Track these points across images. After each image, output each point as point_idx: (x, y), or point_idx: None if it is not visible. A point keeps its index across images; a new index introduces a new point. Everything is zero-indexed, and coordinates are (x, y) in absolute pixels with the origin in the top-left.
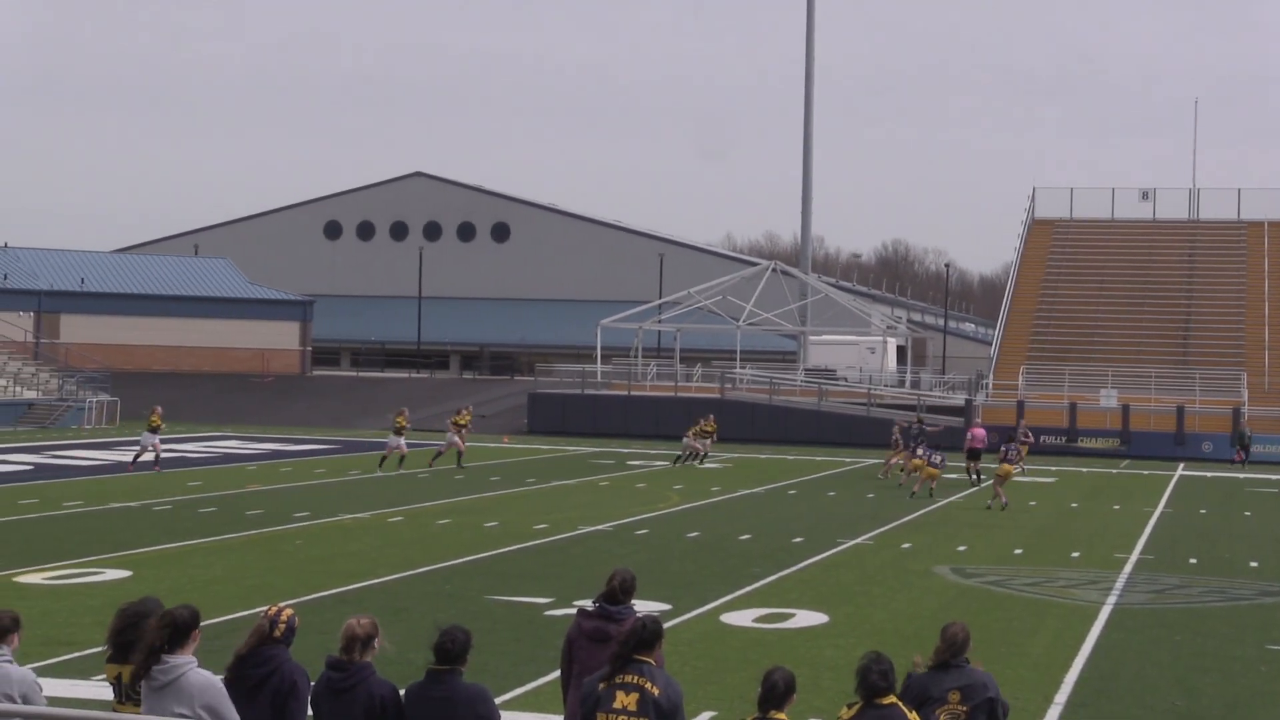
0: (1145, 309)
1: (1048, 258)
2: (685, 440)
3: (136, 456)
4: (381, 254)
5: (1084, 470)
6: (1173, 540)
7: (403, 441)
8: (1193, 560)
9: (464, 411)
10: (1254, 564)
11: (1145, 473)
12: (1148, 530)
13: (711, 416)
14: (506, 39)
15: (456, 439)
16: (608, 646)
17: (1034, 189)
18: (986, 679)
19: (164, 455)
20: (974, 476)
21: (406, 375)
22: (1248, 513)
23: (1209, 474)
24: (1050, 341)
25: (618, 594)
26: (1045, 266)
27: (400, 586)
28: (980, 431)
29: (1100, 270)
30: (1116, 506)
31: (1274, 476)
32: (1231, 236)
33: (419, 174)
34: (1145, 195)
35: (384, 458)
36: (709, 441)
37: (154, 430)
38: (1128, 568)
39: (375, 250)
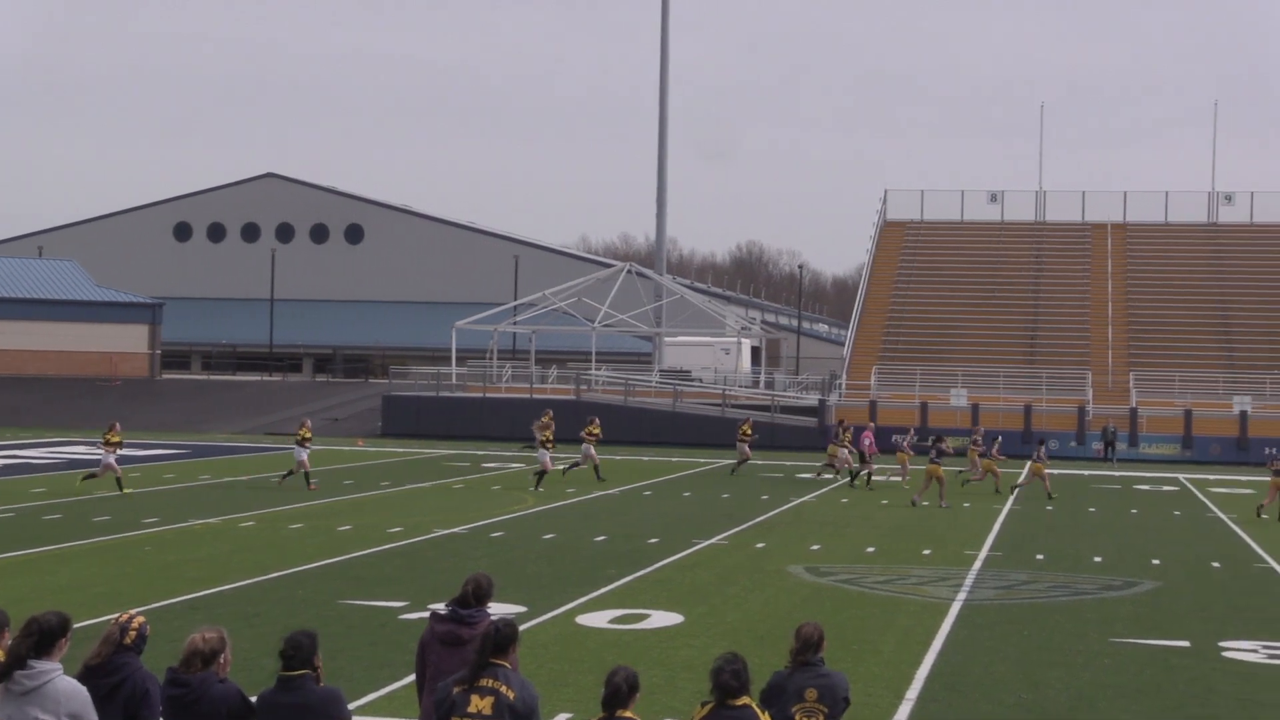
0: (994, 309)
1: (899, 259)
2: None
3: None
4: (233, 256)
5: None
6: (1021, 537)
7: (305, 454)
8: (1040, 556)
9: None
10: (1098, 559)
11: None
12: (996, 527)
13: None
14: (359, 39)
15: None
16: (460, 650)
17: (885, 191)
18: (841, 679)
19: (6, 462)
20: (867, 479)
21: (258, 378)
22: (1092, 509)
23: (1055, 470)
24: (902, 342)
25: (470, 598)
26: (897, 268)
27: (252, 592)
28: (867, 436)
29: (950, 271)
30: (967, 505)
31: (1125, 474)
32: (1076, 238)
33: (271, 175)
34: (994, 198)
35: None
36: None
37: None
38: (977, 565)
39: (226, 252)
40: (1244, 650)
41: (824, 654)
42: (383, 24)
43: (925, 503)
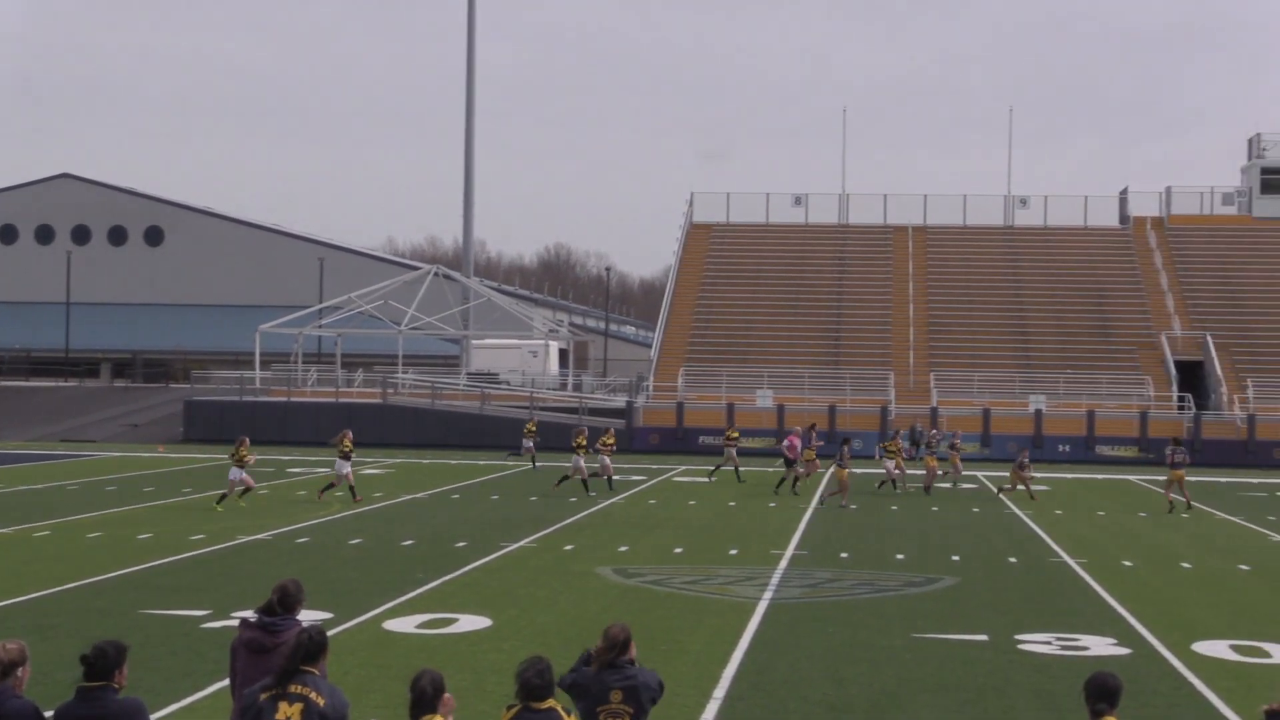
0: (799, 311)
1: (706, 261)
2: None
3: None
4: (26, 258)
5: (741, 469)
6: (825, 536)
7: (346, 468)
8: (844, 555)
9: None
10: (900, 557)
11: (712, 470)
12: (802, 526)
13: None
14: (158, 38)
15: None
16: (266, 658)
17: (692, 194)
18: (649, 677)
19: None
20: (793, 484)
21: (54, 384)
22: (895, 507)
23: (859, 470)
24: (709, 343)
25: (275, 606)
26: (703, 270)
27: (47, 604)
28: (795, 441)
29: (756, 273)
30: (772, 504)
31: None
32: (879, 240)
33: (66, 175)
34: (798, 200)
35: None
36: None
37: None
38: (783, 563)
39: (19, 254)
40: (1039, 643)
41: (634, 655)
42: (182, 21)
43: (853, 506)
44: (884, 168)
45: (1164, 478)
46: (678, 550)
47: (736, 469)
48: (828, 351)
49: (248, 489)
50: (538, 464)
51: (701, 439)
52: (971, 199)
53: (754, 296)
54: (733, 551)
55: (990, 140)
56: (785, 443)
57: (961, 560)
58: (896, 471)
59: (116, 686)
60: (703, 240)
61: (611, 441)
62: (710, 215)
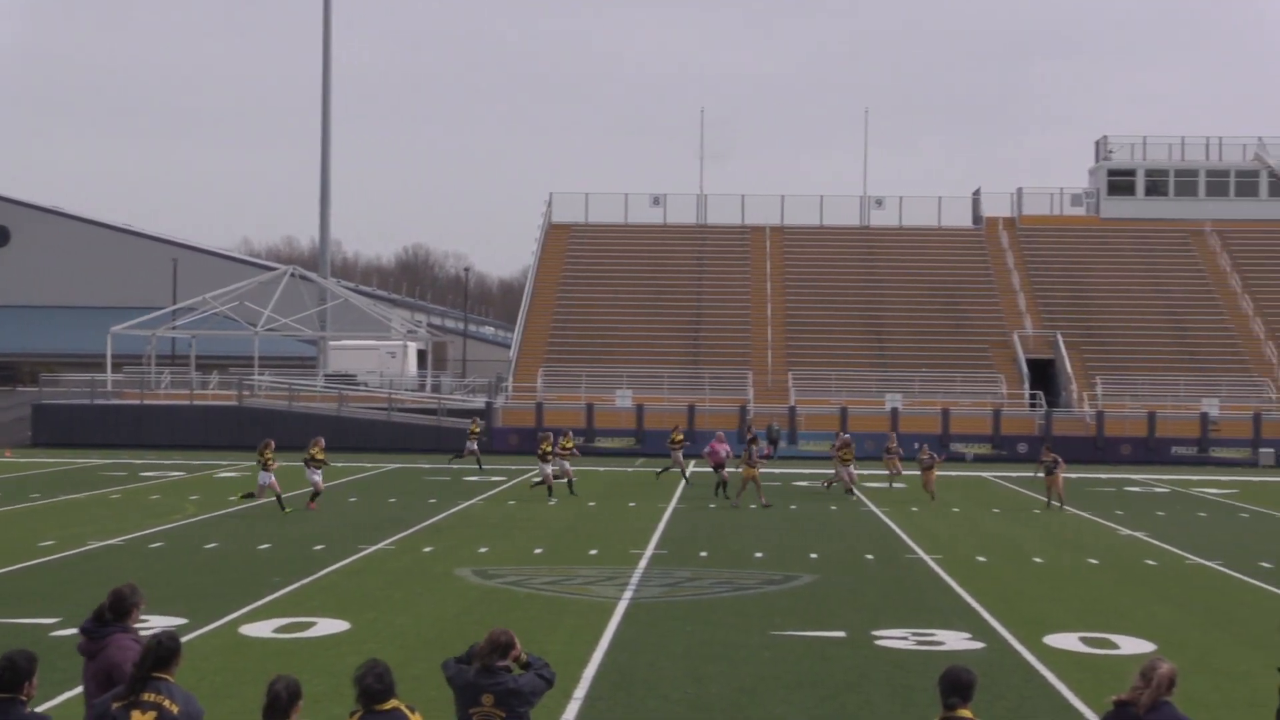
0: (658, 311)
1: (564, 261)
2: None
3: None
4: None
5: (601, 469)
6: (685, 535)
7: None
8: (703, 554)
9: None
10: (759, 555)
11: (660, 470)
12: (661, 526)
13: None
14: (3, 32)
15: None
16: (92, 664)
17: (551, 194)
18: (524, 685)
19: None
20: (721, 489)
21: None
22: (753, 505)
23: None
24: (568, 343)
25: (106, 612)
26: (562, 270)
27: None
28: (720, 447)
29: (615, 273)
30: (633, 504)
31: (785, 470)
32: (737, 241)
33: None
34: (656, 201)
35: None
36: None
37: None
38: (643, 563)
39: None
40: (895, 638)
41: (521, 656)
42: (29, 15)
43: (763, 505)
44: (742, 169)
45: (1027, 475)
46: (538, 551)
47: (684, 471)
48: (687, 351)
49: (278, 495)
50: (483, 465)
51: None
52: (828, 199)
53: (613, 296)
54: (593, 552)
55: (847, 141)
56: (707, 449)
57: (819, 558)
58: (848, 474)
59: (24, 699)
60: (561, 240)
61: (571, 445)
62: (569, 215)
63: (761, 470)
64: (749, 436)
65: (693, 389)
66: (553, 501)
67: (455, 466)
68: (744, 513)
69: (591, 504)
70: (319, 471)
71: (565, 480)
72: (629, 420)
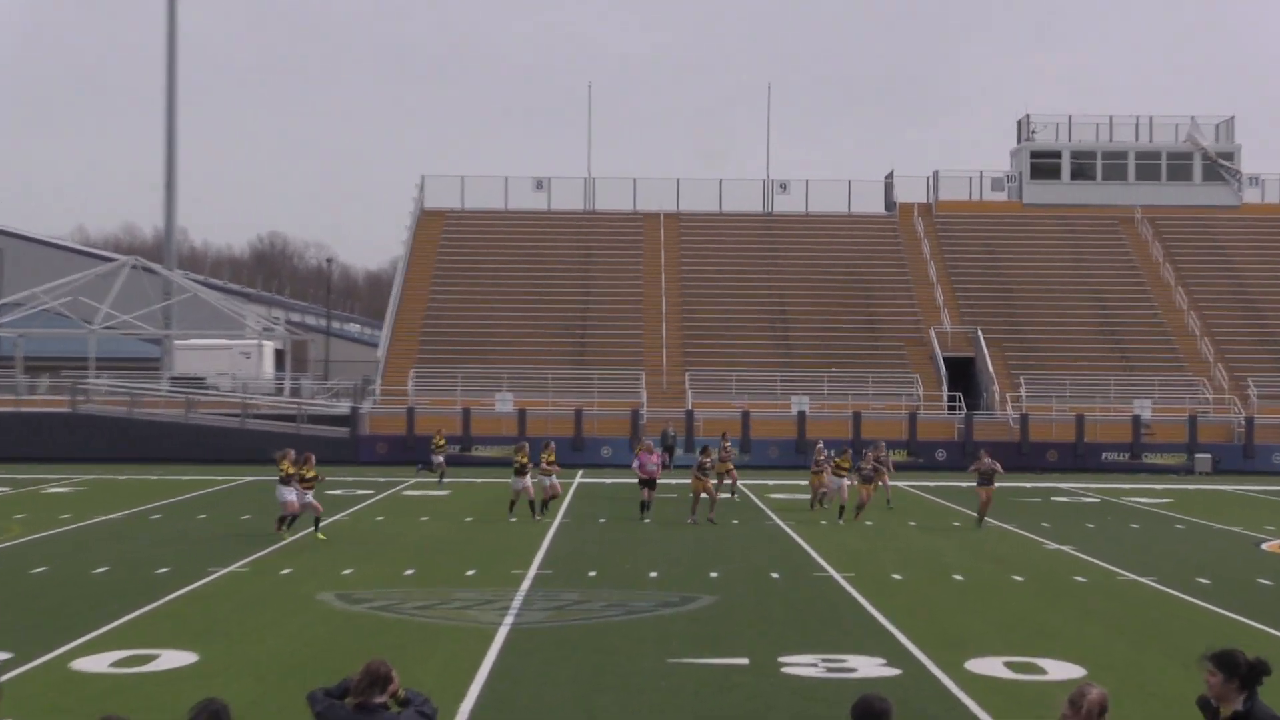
0: (541, 306)
1: (438, 251)
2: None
3: None
4: None
5: (479, 480)
6: (572, 553)
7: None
8: (592, 573)
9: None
10: (654, 574)
11: (437, 476)
12: (546, 543)
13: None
14: None
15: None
16: None
17: (423, 177)
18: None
19: None
20: (644, 510)
21: None
22: (647, 520)
23: (607, 480)
24: (442, 342)
25: None
26: (436, 261)
27: None
28: (649, 458)
29: (494, 265)
30: (514, 519)
31: (682, 481)
32: (628, 228)
33: None
34: (540, 185)
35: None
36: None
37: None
38: (525, 584)
39: None
40: (803, 665)
41: (398, 691)
42: None
43: (708, 519)
44: (633, 151)
45: (968, 485)
46: (409, 572)
47: (439, 475)
48: (573, 350)
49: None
50: (444, 479)
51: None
52: (728, 184)
53: (492, 290)
54: (470, 572)
55: (748, 122)
56: (635, 461)
57: (720, 577)
58: (845, 486)
59: None
60: (435, 228)
61: (554, 459)
62: (443, 201)
63: (660, 482)
64: (703, 446)
65: (580, 391)
66: (538, 518)
67: (425, 478)
68: (637, 527)
69: (468, 519)
70: (309, 492)
71: (544, 498)
72: (510, 426)
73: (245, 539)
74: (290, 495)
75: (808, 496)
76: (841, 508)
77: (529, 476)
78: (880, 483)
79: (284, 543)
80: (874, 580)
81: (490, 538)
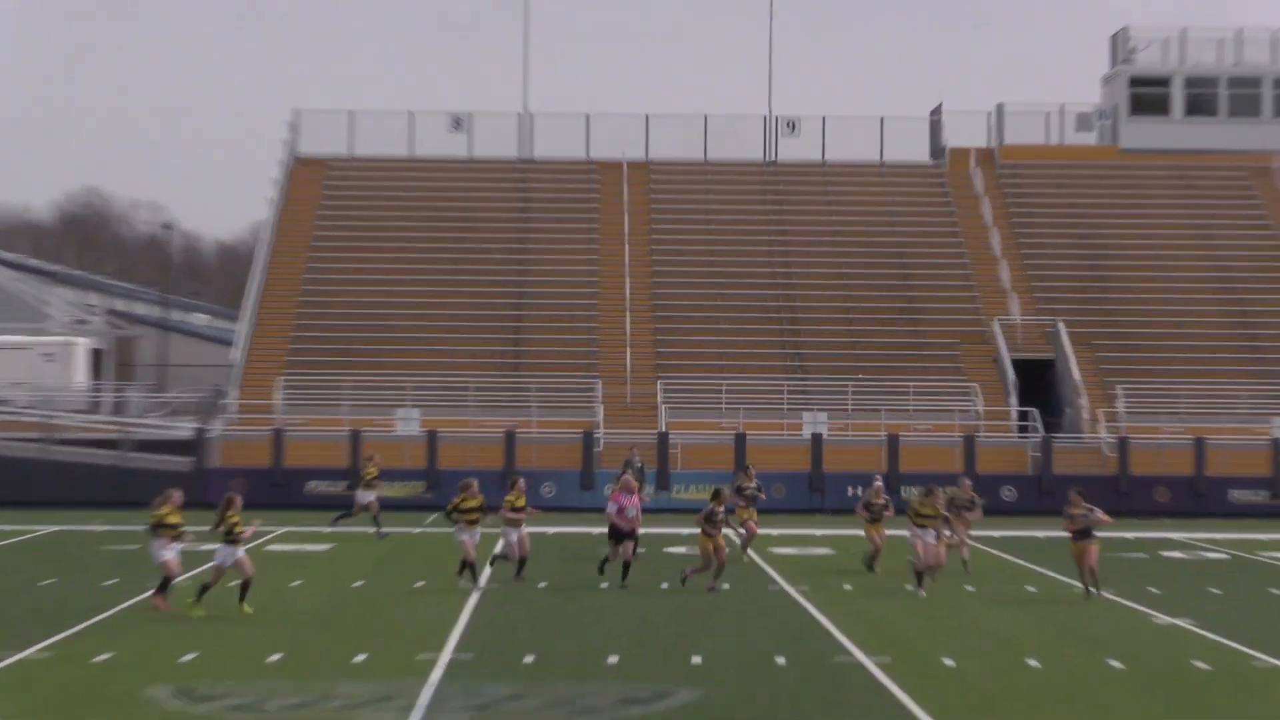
0: (461, 290)
1: (318, 215)
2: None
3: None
4: None
5: (371, 530)
6: (501, 629)
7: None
8: (529, 658)
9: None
10: (614, 659)
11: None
12: (465, 615)
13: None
14: None
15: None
16: None
17: (296, 113)
18: None
19: None
20: (620, 570)
21: None
22: (604, 584)
23: (550, 530)
24: (323, 340)
25: None
26: (314, 228)
27: None
28: (628, 501)
29: (395, 233)
30: (420, 583)
31: (660, 531)
32: (578, 183)
33: None
34: (459, 123)
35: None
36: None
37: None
38: (436, 674)
39: None
40: None
41: None
42: None
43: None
44: (585, 78)
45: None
46: (274, 657)
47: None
48: (504, 351)
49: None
50: (383, 530)
51: (313, 485)
52: (716, 122)
53: (391, 269)
54: (359, 658)
55: (743, 38)
56: (612, 506)
57: (705, 662)
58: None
59: None
60: (313, 183)
61: (522, 504)
62: (324, 145)
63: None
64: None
65: (512, 408)
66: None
67: (339, 530)
68: (592, 595)
69: (357, 583)
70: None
71: (519, 557)
72: (416, 454)
73: (46, 613)
74: (169, 554)
75: (824, 552)
76: (920, 574)
77: (475, 529)
78: (953, 533)
79: (100, 616)
80: (918, 668)
81: (387, 609)
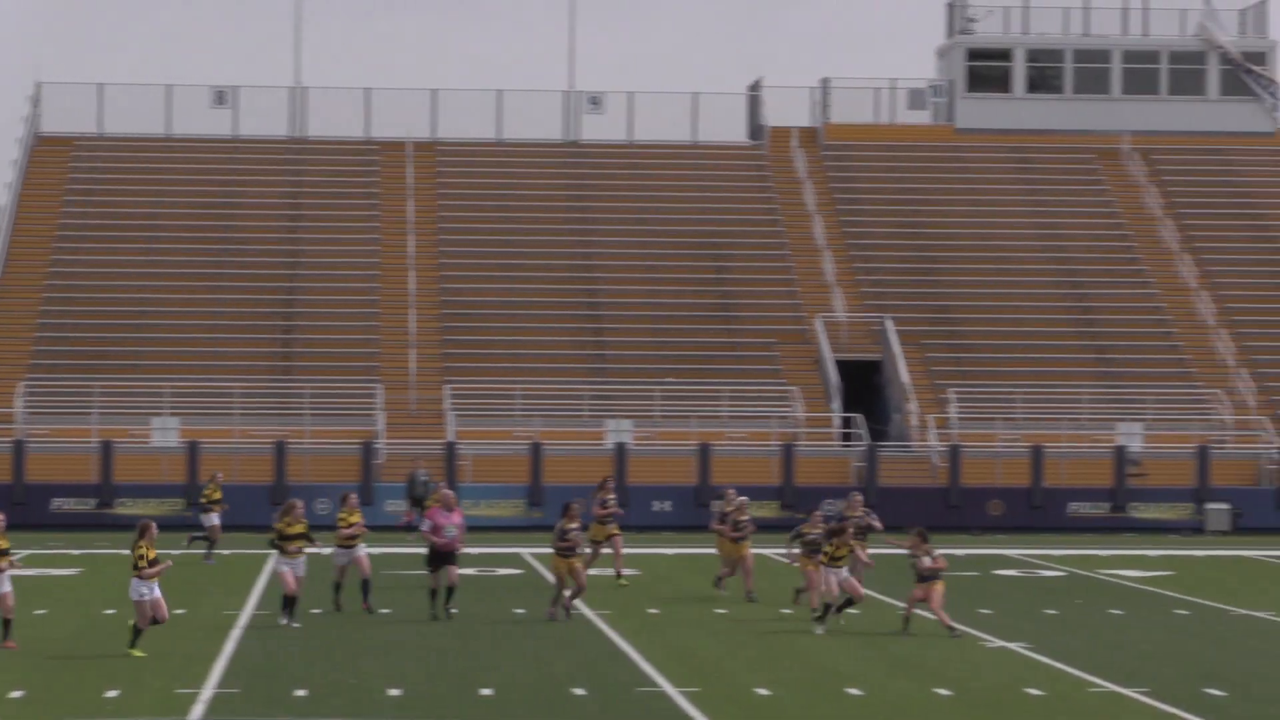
0: (224, 284)
1: (64, 200)
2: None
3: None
4: None
5: (124, 551)
6: (269, 661)
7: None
8: (301, 691)
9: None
10: (395, 692)
11: (242, 552)
12: (229, 647)
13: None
14: None
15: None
16: None
17: (38, 86)
18: None
19: None
20: (445, 597)
21: None
22: (387, 609)
23: (327, 550)
24: (69, 340)
25: None
26: (60, 215)
27: None
28: (445, 520)
29: (150, 221)
30: (182, 610)
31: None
32: (357, 165)
33: None
34: (222, 98)
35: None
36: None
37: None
38: (197, 710)
39: None
40: None
41: None
42: None
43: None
44: (364, 49)
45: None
46: (16, 694)
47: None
48: (272, 353)
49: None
50: (213, 553)
51: (59, 503)
52: (511, 98)
53: (146, 260)
54: (111, 693)
55: (542, 6)
56: (426, 524)
57: (496, 694)
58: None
59: None
60: (58, 164)
61: (357, 518)
62: (70, 123)
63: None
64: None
65: (283, 415)
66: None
67: (195, 551)
68: (374, 622)
69: (109, 610)
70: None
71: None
72: (175, 469)
73: None
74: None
75: (630, 572)
76: (826, 606)
77: (300, 559)
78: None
79: None
80: (729, 698)
81: (143, 639)
